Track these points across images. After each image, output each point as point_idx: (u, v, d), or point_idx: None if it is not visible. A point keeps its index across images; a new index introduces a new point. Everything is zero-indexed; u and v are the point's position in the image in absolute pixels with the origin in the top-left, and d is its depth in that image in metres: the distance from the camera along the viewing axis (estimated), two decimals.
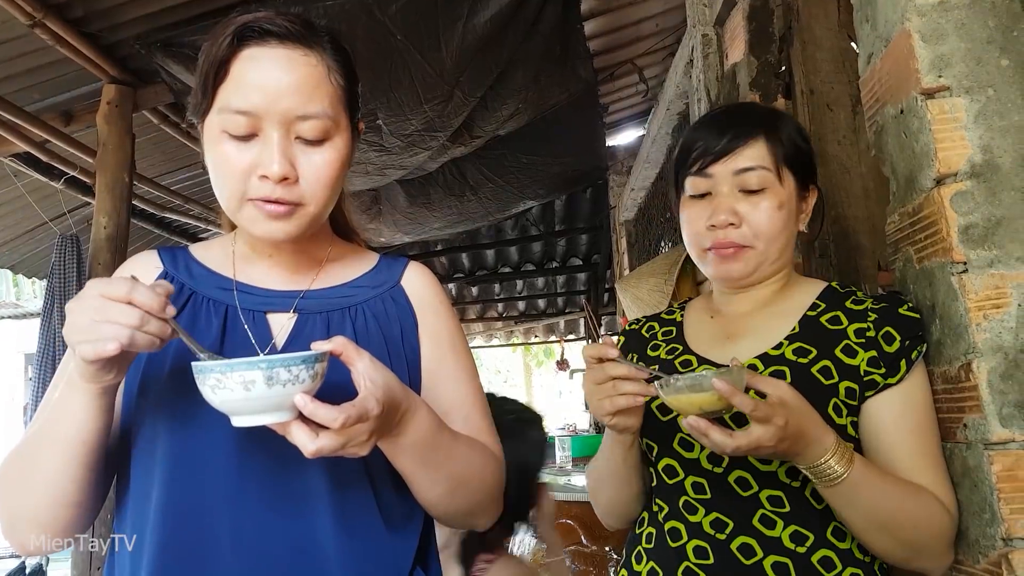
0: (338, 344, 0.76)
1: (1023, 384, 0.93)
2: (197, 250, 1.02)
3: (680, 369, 1.10)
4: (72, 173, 3.55)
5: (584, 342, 8.91)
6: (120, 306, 0.71)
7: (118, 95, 3.06)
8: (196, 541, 0.83)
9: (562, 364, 8.91)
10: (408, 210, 4.78)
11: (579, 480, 3.20)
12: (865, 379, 0.99)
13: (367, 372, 0.76)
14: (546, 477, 3.41)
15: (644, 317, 1.28)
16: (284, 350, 0.92)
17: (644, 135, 4.58)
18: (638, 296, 2.92)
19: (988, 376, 0.94)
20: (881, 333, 1.01)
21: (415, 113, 3.19)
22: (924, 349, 1.01)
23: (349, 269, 1.04)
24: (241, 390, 0.69)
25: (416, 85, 2.99)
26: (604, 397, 0.94)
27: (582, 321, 8.64)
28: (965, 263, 0.97)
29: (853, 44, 1.80)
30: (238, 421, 0.73)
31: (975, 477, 0.95)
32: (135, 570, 0.84)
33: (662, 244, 4.25)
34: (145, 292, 0.72)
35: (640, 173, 4.47)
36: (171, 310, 0.74)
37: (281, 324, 0.95)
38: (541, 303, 8.70)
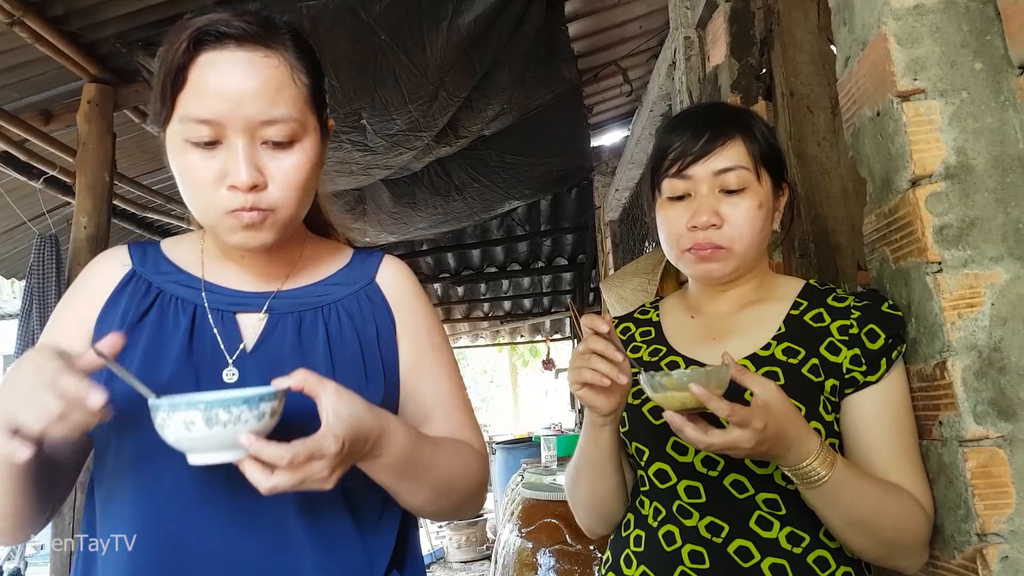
0: (297, 380, 0.75)
1: (997, 382, 0.95)
2: (168, 246, 1.00)
3: (667, 371, 1.10)
4: (52, 172, 3.51)
5: (570, 342, 8.93)
6: (44, 395, 0.67)
7: (98, 94, 3.03)
8: (165, 550, 0.82)
9: (548, 364, 8.94)
10: (393, 210, 4.77)
11: (564, 479, 3.21)
12: (846, 376, 1.00)
13: (331, 405, 0.75)
14: (532, 477, 3.41)
15: (617, 318, 1.26)
16: (255, 351, 0.91)
17: (628, 136, 4.59)
18: (622, 296, 2.93)
19: (963, 374, 0.95)
20: (864, 330, 1.02)
21: (400, 113, 3.18)
22: (903, 349, 1.03)
23: (322, 267, 1.02)
24: (184, 430, 0.69)
25: (401, 85, 2.98)
26: (577, 366, 0.95)
27: (568, 321, 8.66)
28: (940, 263, 0.98)
29: (833, 47, 1.82)
30: (193, 459, 0.73)
31: (950, 474, 0.97)
32: None
33: (646, 244, 4.28)
34: (69, 382, 0.68)
35: (624, 173, 4.49)
36: (97, 399, 0.68)
37: (251, 325, 0.93)
38: (527, 303, 8.70)
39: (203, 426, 0.69)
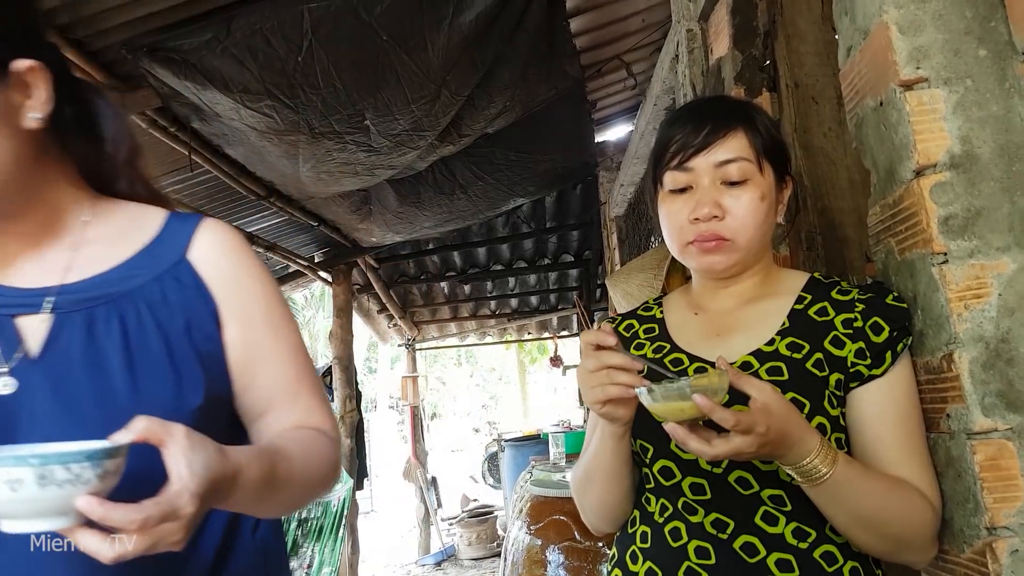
0: (140, 432, 0.63)
1: (1004, 374, 0.94)
2: None
3: (671, 368, 1.09)
4: None
5: (577, 339, 8.92)
6: None
7: None
8: None
9: (555, 361, 8.93)
10: (398, 210, 4.77)
11: (571, 481, 3.22)
12: (851, 370, 1.00)
13: (183, 457, 0.63)
14: (540, 474, 3.40)
15: (620, 315, 1.26)
16: (41, 359, 0.79)
17: (633, 131, 4.58)
18: (628, 292, 2.93)
19: (970, 366, 0.94)
20: (869, 323, 1.01)
21: (403, 113, 3.18)
22: (909, 341, 1.02)
23: (119, 245, 0.85)
24: (7, 490, 0.57)
25: (403, 85, 2.98)
26: (597, 385, 0.92)
27: (575, 317, 8.65)
28: (945, 254, 0.97)
29: (837, 37, 1.81)
30: (9, 526, 0.60)
31: (958, 467, 0.96)
32: None
33: (652, 239, 4.26)
34: None
35: (629, 169, 4.48)
36: None
37: (33, 328, 0.80)
38: (534, 300, 8.70)
39: (34, 486, 0.57)
